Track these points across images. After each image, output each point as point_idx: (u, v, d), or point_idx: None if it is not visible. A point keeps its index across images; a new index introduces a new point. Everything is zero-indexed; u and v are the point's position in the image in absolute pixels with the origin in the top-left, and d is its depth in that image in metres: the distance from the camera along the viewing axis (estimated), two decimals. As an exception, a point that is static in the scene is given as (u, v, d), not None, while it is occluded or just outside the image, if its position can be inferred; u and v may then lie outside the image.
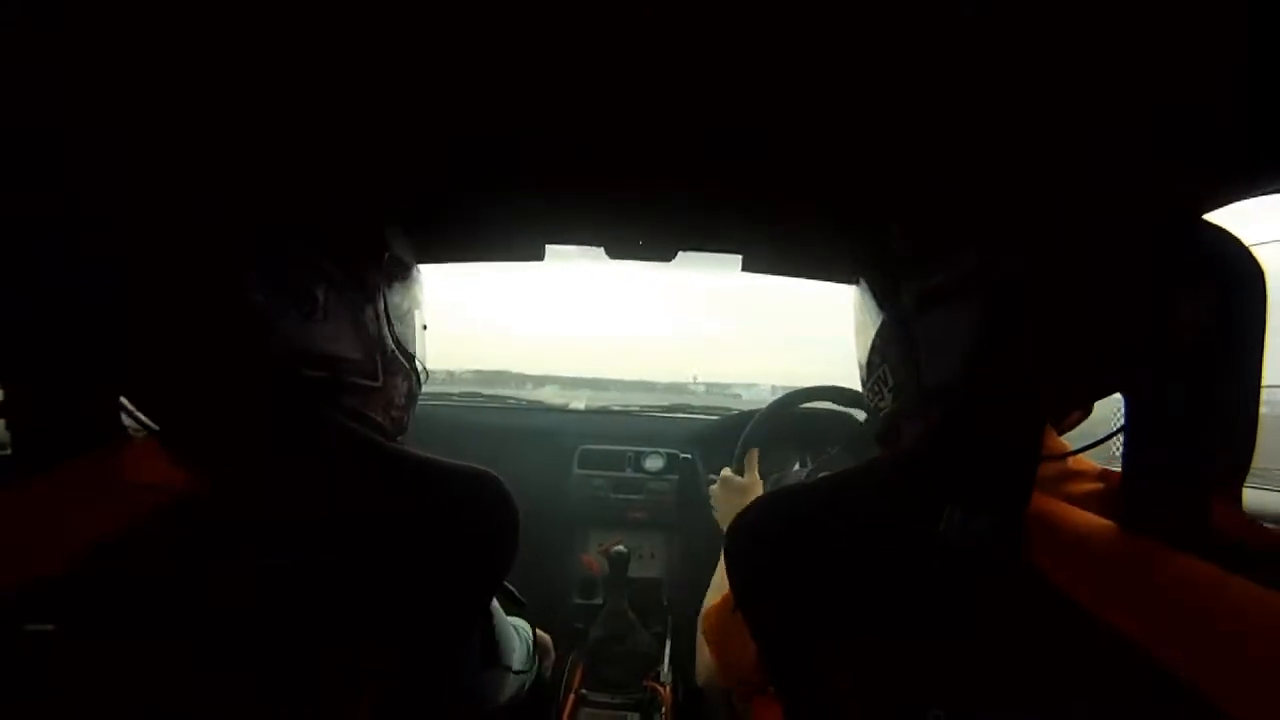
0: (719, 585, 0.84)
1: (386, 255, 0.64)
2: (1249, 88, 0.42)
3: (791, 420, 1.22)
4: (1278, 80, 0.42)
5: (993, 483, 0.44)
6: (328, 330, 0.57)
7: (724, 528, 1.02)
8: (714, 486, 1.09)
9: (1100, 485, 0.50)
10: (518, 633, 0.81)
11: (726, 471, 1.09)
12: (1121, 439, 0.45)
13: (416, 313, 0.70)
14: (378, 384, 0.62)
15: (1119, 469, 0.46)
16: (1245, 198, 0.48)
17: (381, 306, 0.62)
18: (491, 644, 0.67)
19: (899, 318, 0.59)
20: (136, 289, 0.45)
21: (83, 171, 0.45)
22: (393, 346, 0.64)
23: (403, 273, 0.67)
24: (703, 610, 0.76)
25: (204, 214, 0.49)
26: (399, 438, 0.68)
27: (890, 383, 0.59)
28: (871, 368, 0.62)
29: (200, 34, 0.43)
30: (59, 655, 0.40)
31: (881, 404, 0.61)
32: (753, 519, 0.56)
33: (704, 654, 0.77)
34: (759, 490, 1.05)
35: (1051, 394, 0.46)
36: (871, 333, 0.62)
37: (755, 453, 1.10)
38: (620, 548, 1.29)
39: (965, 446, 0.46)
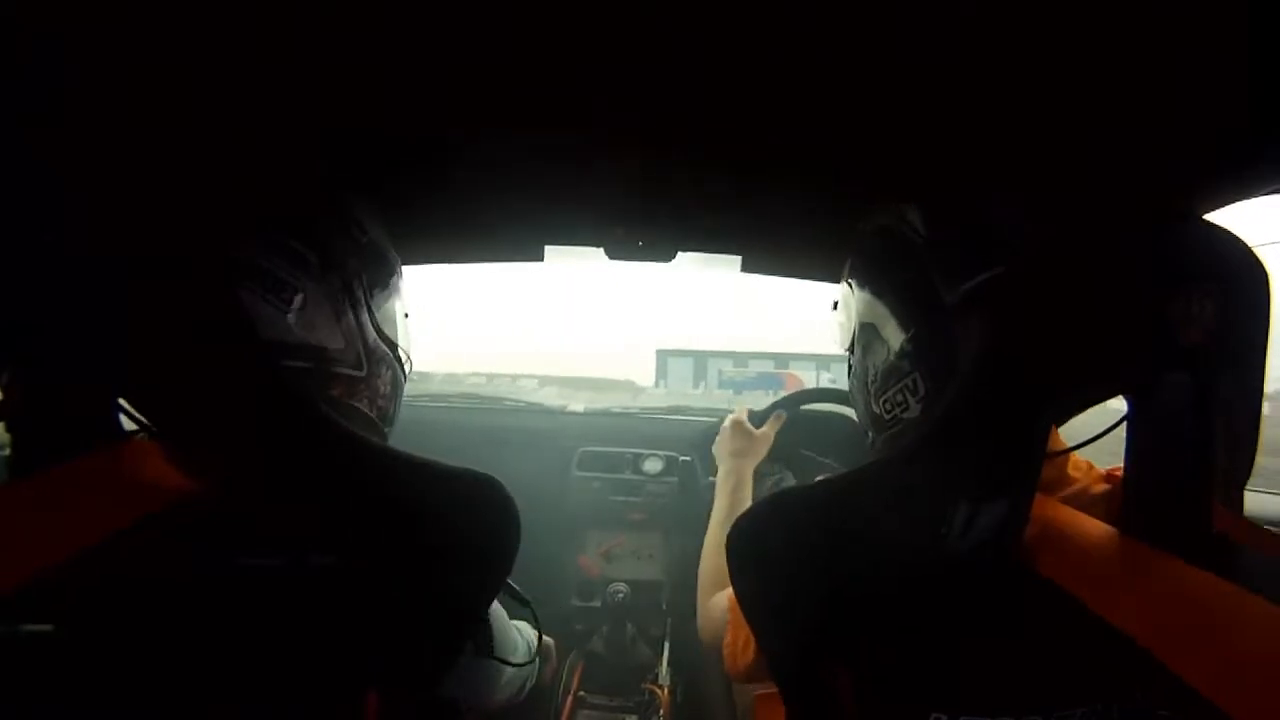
0: (708, 585, 0.85)
1: (365, 240, 0.63)
2: (1250, 87, 0.42)
3: (796, 421, 1.22)
4: (1278, 80, 0.42)
5: (998, 482, 0.44)
6: (306, 319, 0.56)
7: (717, 461, 1.04)
8: (724, 423, 1.08)
9: (1103, 487, 0.50)
10: (521, 634, 0.80)
11: (743, 415, 1.08)
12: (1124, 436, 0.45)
13: (398, 301, 0.69)
14: (362, 373, 0.62)
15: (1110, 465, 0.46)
16: (1247, 198, 0.48)
17: (361, 294, 0.62)
18: (487, 639, 0.67)
19: (938, 320, 0.54)
20: (132, 288, 0.45)
21: (83, 170, 0.44)
22: (374, 335, 0.64)
23: (381, 259, 0.66)
24: (699, 618, 0.76)
25: (189, 204, 0.49)
26: (386, 428, 0.67)
27: (921, 391, 0.56)
28: (898, 374, 0.58)
29: (192, 29, 0.43)
30: (57, 655, 0.40)
31: (905, 413, 0.58)
32: (755, 524, 0.56)
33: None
34: (768, 442, 1.06)
35: (1057, 395, 0.45)
36: (898, 336, 0.58)
37: (782, 416, 1.11)
38: (621, 592, 1.30)
39: (971, 445, 0.46)
